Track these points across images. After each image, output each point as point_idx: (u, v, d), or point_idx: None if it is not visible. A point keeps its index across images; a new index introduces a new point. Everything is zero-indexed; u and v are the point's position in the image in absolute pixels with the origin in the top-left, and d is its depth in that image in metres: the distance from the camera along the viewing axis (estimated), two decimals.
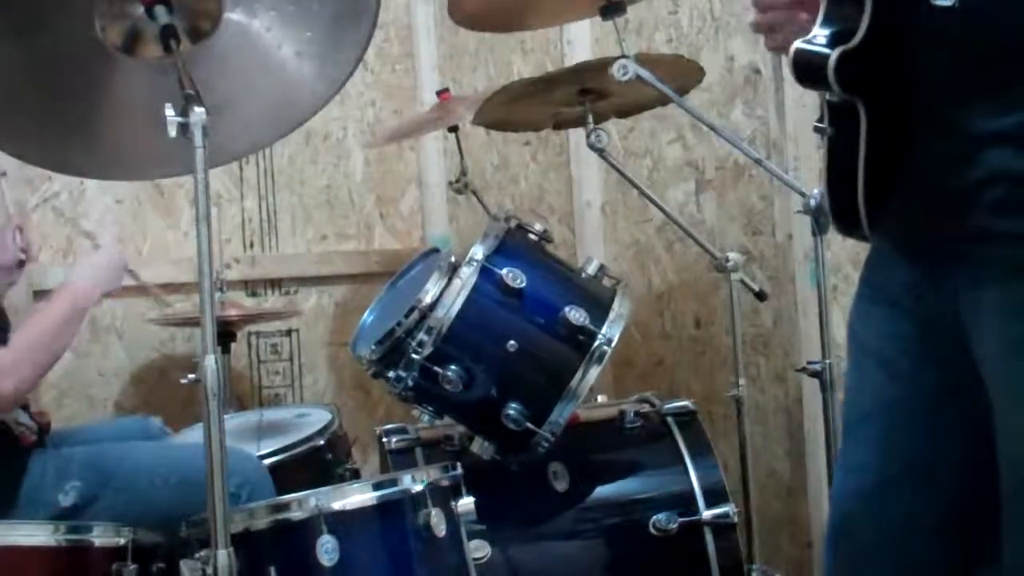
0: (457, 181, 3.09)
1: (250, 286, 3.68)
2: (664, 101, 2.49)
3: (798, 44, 1.30)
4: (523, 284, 2.15)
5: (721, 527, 2.26)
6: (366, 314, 2.40)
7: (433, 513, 1.84)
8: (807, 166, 2.57)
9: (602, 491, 2.33)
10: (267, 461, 2.42)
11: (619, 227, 3.25)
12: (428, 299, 2.13)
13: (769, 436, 2.79)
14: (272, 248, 3.72)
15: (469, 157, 3.12)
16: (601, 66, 2.26)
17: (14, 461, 2.13)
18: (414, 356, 2.12)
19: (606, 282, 2.31)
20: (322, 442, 2.63)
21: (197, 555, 1.66)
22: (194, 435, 2.54)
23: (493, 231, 2.21)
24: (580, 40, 3.23)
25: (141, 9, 1.73)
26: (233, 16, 1.78)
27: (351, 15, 1.84)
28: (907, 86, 1.27)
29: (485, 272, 2.15)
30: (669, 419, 2.39)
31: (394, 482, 1.87)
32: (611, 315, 2.19)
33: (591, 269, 2.30)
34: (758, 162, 2.25)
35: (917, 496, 1.40)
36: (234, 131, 1.86)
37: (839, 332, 2.04)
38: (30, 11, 1.71)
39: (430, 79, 3.83)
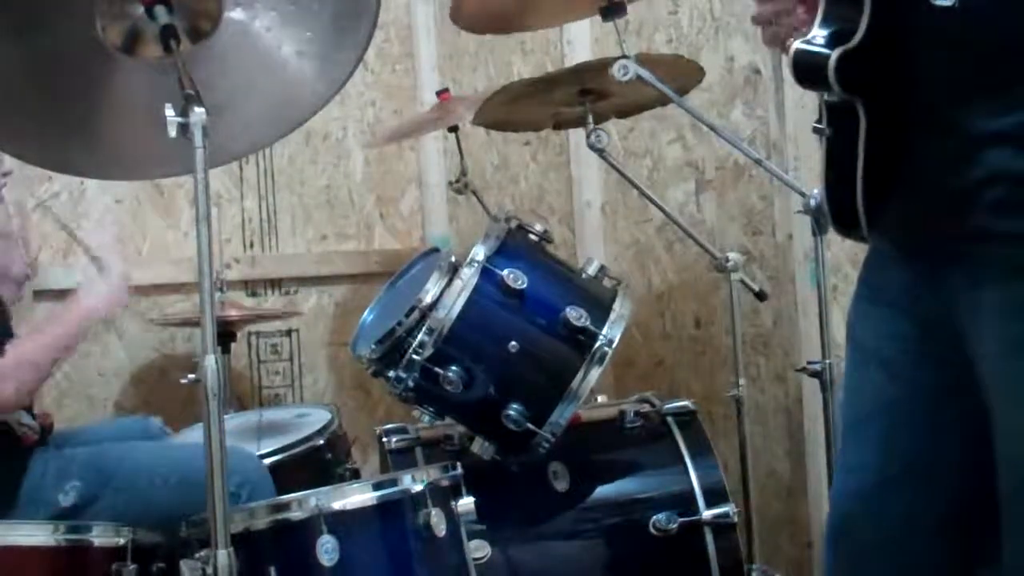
0: (457, 181, 3.09)
1: (250, 286, 3.68)
2: (664, 101, 2.49)
3: (798, 45, 1.30)
4: (524, 285, 2.15)
5: (721, 527, 2.26)
6: (366, 314, 2.40)
7: (433, 513, 1.84)
8: (807, 166, 2.57)
9: (602, 491, 2.33)
10: (267, 461, 2.43)
11: (619, 227, 3.25)
12: (428, 299, 2.13)
13: (769, 436, 2.79)
14: (272, 248, 3.72)
15: (469, 157, 3.12)
16: (601, 66, 2.26)
17: (15, 461, 2.14)
18: (414, 357, 2.12)
19: (606, 283, 2.31)
20: (322, 442, 2.64)
21: (197, 555, 1.66)
22: (194, 435, 2.54)
23: (494, 232, 2.21)
24: (580, 40, 3.23)
25: (141, 9, 1.73)
26: (233, 16, 1.78)
27: (351, 15, 1.83)
28: (907, 86, 1.27)
29: (486, 273, 2.15)
30: (669, 419, 2.39)
31: (394, 482, 1.87)
32: (612, 316, 2.19)
33: (591, 270, 2.30)
34: (758, 162, 2.25)
35: (917, 496, 1.40)
36: (234, 131, 1.86)
37: (839, 332, 2.03)
38: (30, 11, 1.71)
39: (430, 79, 3.83)
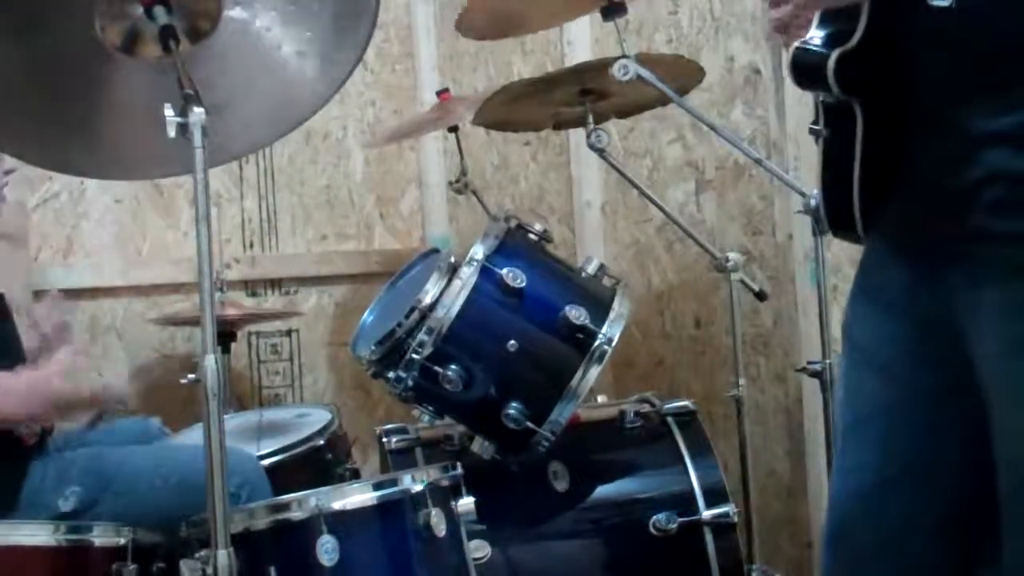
0: (457, 181, 3.09)
1: (250, 286, 3.68)
2: (664, 101, 2.49)
3: (796, 46, 1.30)
4: (523, 284, 2.15)
5: (721, 527, 2.26)
6: (366, 314, 2.40)
7: (433, 513, 1.83)
8: (807, 166, 2.57)
9: (602, 491, 2.33)
10: (267, 461, 2.42)
11: (619, 227, 3.25)
12: (428, 299, 2.13)
13: (769, 436, 2.79)
14: (272, 248, 3.72)
15: (469, 157, 3.13)
16: (601, 66, 2.26)
17: (15, 465, 2.13)
18: (414, 356, 2.12)
19: (606, 282, 2.31)
20: (322, 442, 2.63)
21: (197, 555, 1.66)
22: (194, 435, 2.54)
23: (493, 231, 2.21)
24: (580, 40, 3.24)
25: (140, 9, 1.73)
26: (233, 15, 1.78)
27: (351, 15, 1.83)
28: (905, 86, 1.28)
29: (485, 272, 2.15)
30: (669, 419, 2.39)
31: (394, 482, 1.87)
32: (611, 315, 2.19)
33: (591, 269, 2.30)
34: (758, 162, 2.25)
35: (917, 496, 1.40)
36: (234, 131, 1.85)
37: (839, 332, 2.03)
38: (30, 11, 1.71)
39: (430, 79, 3.83)
